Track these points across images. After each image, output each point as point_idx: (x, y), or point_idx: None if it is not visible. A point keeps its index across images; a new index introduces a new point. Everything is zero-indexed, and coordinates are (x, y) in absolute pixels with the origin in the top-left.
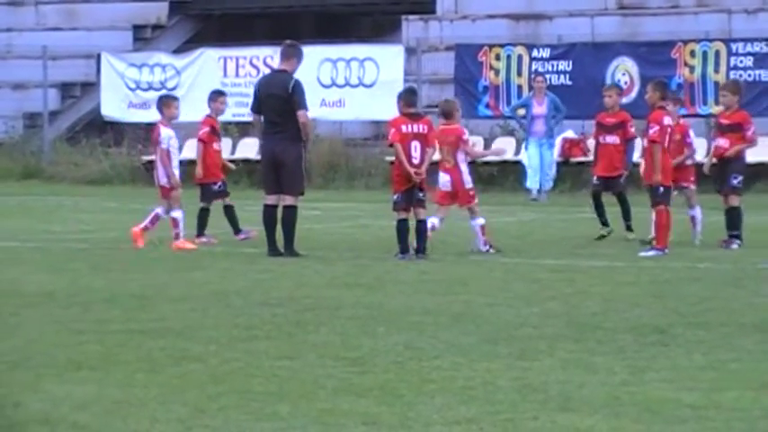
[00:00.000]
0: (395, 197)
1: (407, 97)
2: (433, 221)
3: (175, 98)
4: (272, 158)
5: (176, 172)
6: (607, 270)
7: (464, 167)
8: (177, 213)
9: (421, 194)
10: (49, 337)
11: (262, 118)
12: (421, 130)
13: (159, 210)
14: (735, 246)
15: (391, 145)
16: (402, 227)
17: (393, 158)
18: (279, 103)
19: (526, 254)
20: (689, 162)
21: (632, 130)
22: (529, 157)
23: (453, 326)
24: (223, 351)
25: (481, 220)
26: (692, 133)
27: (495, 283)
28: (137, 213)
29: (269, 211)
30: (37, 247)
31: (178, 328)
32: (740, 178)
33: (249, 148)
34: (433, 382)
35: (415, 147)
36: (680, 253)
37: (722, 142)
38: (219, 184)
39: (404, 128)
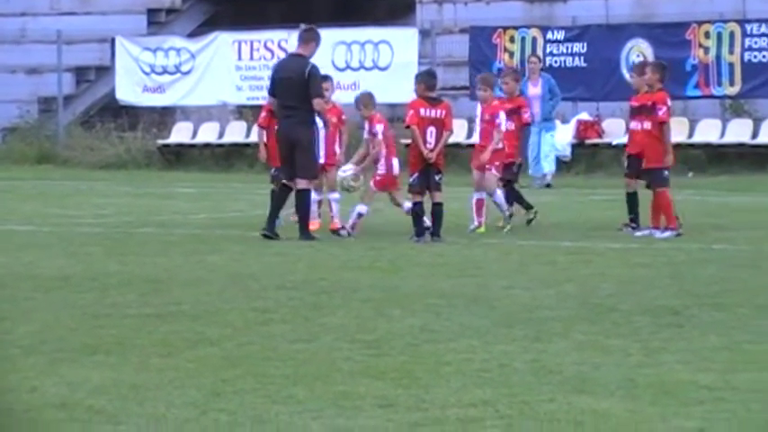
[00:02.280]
0: (411, 179)
1: (427, 80)
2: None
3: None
4: (286, 142)
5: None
6: (623, 252)
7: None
8: (335, 195)
9: (437, 177)
10: (64, 322)
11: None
12: (438, 115)
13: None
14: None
15: (408, 126)
16: (417, 209)
17: (409, 141)
18: (294, 87)
19: (542, 236)
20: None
21: (526, 116)
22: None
23: (469, 308)
24: (239, 334)
25: (408, 204)
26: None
27: (510, 265)
28: (152, 197)
29: (282, 191)
30: (52, 231)
31: (194, 312)
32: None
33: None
34: (449, 364)
35: (431, 132)
36: (695, 235)
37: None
38: (274, 168)
39: (422, 111)
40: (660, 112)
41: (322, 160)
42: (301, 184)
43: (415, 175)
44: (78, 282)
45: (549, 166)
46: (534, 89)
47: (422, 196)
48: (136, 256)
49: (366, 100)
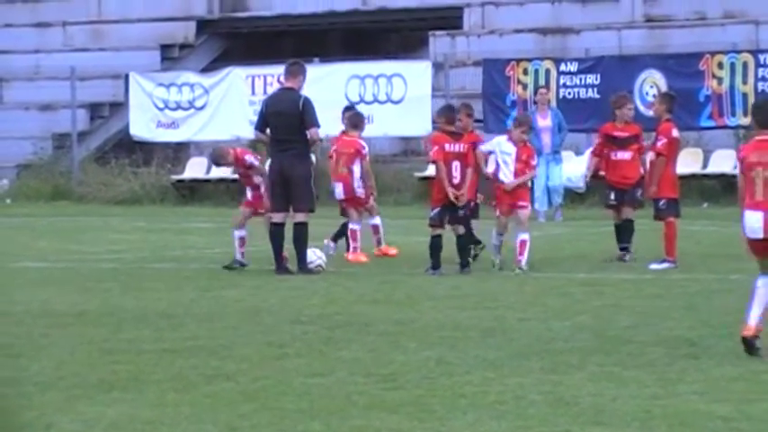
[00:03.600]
0: (432, 213)
1: (448, 114)
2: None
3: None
4: (281, 175)
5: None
6: (637, 283)
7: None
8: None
9: (460, 212)
10: (80, 358)
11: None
12: (462, 150)
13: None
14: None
15: (433, 162)
16: (436, 243)
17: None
18: (288, 121)
19: (556, 268)
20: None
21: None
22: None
23: (484, 340)
24: (254, 369)
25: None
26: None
27: (525, 297)
28: (166, 233)
29: (277, 229)
30: (67, 267)
31: (209, 347)
32: (640, 191)
33: None
34: (465, 397)
35: (456, 167)
36: (710, 265)
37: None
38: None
39: (447, 146)
40: (659, 143)
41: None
42: (299, 217)
43: (437, 209)
44: (94, 318)
45: (558, 199)
46: (544, 121)
47: (441, 229)
48: (151, 291)
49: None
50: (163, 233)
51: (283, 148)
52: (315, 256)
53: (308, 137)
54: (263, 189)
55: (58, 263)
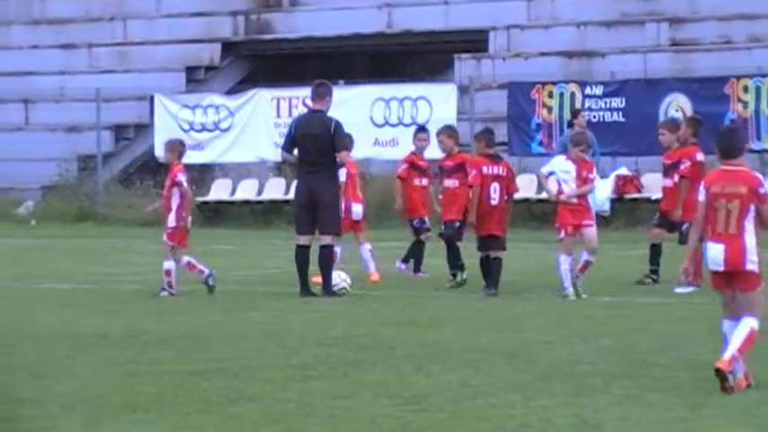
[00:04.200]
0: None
1: (488, 138)
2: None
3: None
4: (308, 198)
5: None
6: (662, 307)
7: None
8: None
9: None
10: (104, 379)
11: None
12: (500, 173)
13: None
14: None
15: (470, 186)
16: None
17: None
18: (318, 143)
19: (581, 291)
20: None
21: (472, 176)
22: None
23: (509, 363)
24: (278, 391)
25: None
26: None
27: (550, 320)
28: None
29: (302, 252)
30: (91, 289)
31: (233, 369)
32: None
33: None
34: (489, 420)
35: (495, 188)
36: None
37: (667, 182)
38: (417, 220)
39: (485, 169)
40: (682, 166)
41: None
42: (326, 240)
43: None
44: (117, 339)
45: None
46: None
47: (488, 251)
48: (174, 313)
49: (171, 146)
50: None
51: (312, 170)
52: (339, 278)
53: (338, 159)
54: (172, 216)
55: (82, 284)
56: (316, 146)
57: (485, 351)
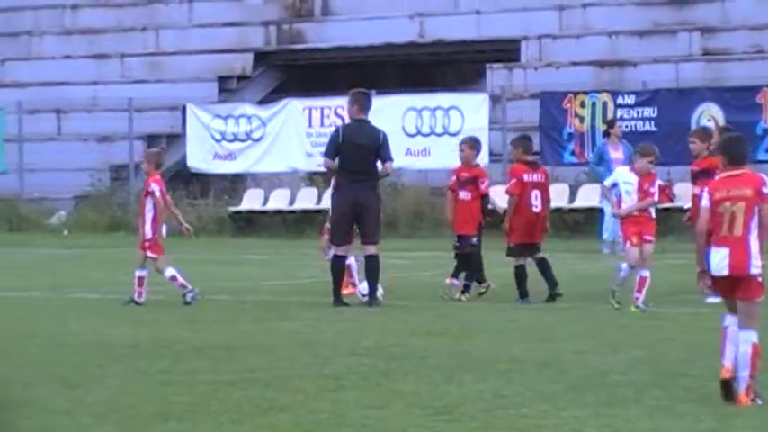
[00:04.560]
0: (510, 245)
1: (525, 144)
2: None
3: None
4: (353, 207)
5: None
6: (693, 317)
7: None
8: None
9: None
10: (136, 389)
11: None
12: (540, 179)
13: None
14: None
15: (508, 193)
16: (521, 272)
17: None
18: (366, 153)
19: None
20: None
21: (483, 186)
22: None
23: (540, 373)
24: (310, 401)
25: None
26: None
27: (582, 330)
28: (223, 264)
29: (338, 261)
30: (122, 298)
31: (266, 379)
32: None
33: None
34: (521, 430)
35: (536, 195)
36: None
37: (696, 190)
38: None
39: (525, 177)
40: (717, 177)
41: None
42: (371, 249)
43: (515, 243)
44: (149, 349)
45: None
46: (616, 153)
47: (524, 258)
48: (207, 322)
49: (148, 157)
50: (219, 264)
51: (357, 179)
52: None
53: (380, 170)
54: (147, 227)
55: (113, 294)
56: (362, 155)
57: (516, 361)
